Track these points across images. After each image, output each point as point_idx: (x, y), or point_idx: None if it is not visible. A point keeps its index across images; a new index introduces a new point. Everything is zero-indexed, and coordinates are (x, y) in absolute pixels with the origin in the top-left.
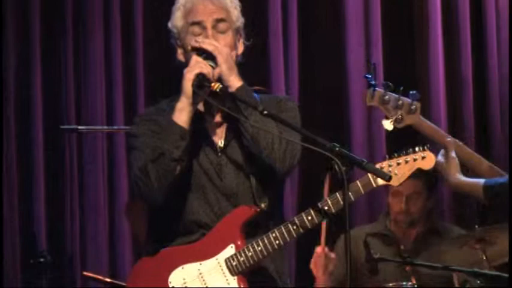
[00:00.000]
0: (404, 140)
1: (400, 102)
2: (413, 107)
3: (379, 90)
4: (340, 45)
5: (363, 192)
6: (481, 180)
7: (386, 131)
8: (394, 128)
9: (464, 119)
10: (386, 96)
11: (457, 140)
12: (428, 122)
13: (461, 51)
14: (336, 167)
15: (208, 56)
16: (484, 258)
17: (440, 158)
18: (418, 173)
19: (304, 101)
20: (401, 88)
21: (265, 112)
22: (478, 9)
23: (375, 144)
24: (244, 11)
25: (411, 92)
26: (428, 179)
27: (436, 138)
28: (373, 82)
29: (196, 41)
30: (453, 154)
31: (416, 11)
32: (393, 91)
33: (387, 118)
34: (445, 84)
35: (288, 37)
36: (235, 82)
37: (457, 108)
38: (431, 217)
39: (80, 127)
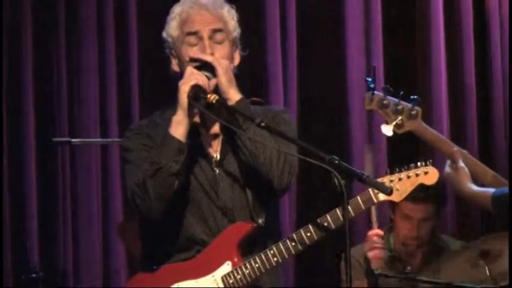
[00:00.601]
0: (406, 153)
1: (400, 106)
2: (413, 112)
3: (378, 93)
4: (341, 54)
5: (363, 208)
6: (490, 190)
7: (387, 136)
8: (397, 138)
9: (467, 127)
10: (386, 100)
11: (461, 149)
12: (431, 129)
13: (464, 58)
14: (335, 180)
15: (202, 66)
16: (488, 274)
17: (448, 169)
18: (429, 197)
19: (303, 113)
20: (402, 93)
21: (263, 125)
22: (481, 15)
23: (376, 158)
24: (242, 22)
25: (412, 97)
26: (438, 202)
27: (440, 147)
28: (372, 85)
29: (194, 52)
30: (461, 163)
31: (418, 16)
32: (393, 95)
33: (387, 123)
34: (448, 91)
35: (286, 49)
36: (234, 95)
37: (460, 116)
38: (435, 233)
39: (73, 140)
